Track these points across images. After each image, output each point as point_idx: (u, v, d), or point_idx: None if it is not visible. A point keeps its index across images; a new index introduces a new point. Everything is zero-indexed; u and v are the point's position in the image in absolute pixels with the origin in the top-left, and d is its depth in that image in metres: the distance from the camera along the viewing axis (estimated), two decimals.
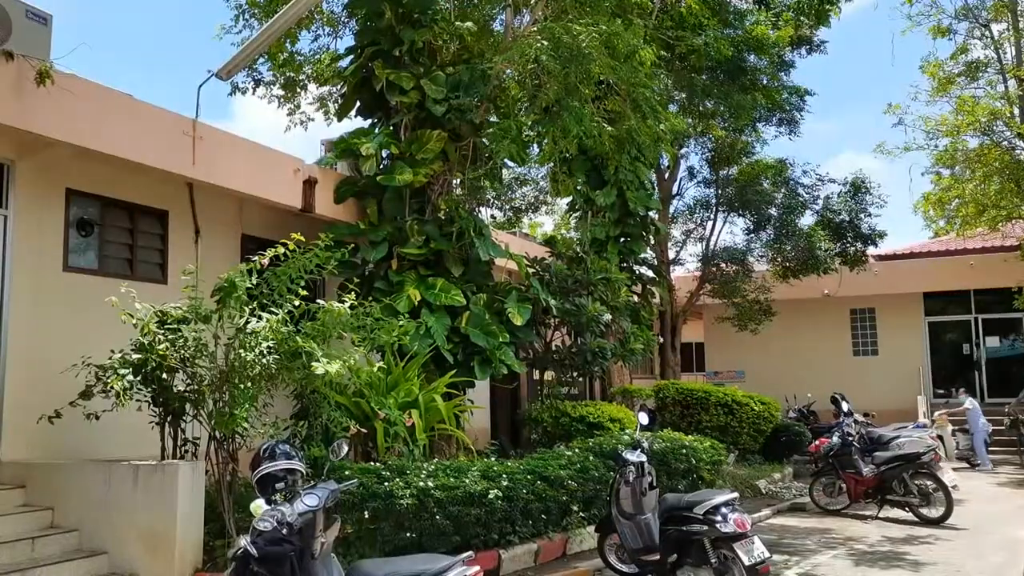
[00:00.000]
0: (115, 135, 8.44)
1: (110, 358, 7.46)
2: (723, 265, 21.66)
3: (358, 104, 12.62)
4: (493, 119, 12.79)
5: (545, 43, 10.65)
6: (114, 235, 9.52)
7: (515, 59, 11.01)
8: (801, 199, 21.64)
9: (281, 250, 7.54)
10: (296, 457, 4.83)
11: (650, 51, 12.56)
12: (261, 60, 15.31)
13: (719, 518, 7.21)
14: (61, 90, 7.75)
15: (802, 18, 18.67)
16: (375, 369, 8.96)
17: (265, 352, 7.29)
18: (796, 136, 21.19)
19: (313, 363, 7.27)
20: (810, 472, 14.40)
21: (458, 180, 12.68)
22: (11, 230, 8.22)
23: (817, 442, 13.59)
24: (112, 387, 7.21)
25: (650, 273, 19.19)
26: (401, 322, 8.95)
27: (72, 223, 8.95)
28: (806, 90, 20.27)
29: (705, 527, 7.29)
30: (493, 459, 9.84)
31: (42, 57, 8.03)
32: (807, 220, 21.61)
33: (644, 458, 8.02)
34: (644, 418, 8.78)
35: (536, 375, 15.29)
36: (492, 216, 22.30)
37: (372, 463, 8.37)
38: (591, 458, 9.85)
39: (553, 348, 14.66)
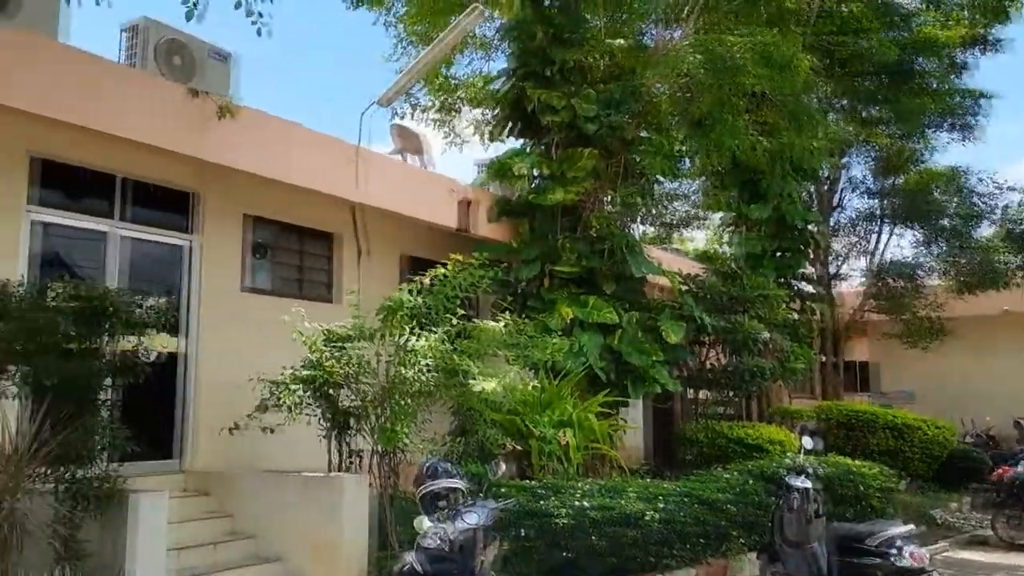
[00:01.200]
0: (287, 163, 8.92)
1: (282, 374, 7.82)
2: (890, 280, 20.37)
3: (511, 125, 12.79)
4: (644, 135, 12.64)
5: (699, 56, 10.41)
6: (286, 257, 10.03)
7: (667, 73, 10.83)
8: (977, 209, 20.07)
9: (441, 270, 7.71)
10: (457, 476, 4.88)
11: (807, 60, 12.04)
12: (418, 86, 15.83)
13: (894, 551, 6.73)
14: (240, 122, 8.26)
15: (977, 16, 17.36)
16: (529, 387, 8.98)
17: (424, 370, 7.44)
18: (974, 142, 19.67)
19: (470, 381, 7.36)
20: (992, 502, 13.22)
21: (609, 197, 12.59)
22: (197, 254, 8.82)
23: (999, 470, 12.50)
24: (284, 402, 7.57)
25: (810, 288, 18.33)
26: (554, 340, 8.95)
27: (249, 247, 9.49)
28: (983, 93, 18.81)
29: (878, 560, 6.82)
30: (648, 480, 9.63)
31: (224, 92, 8.63)
32: (984, 231, 20.02)
33: (810, 484, 7.60)
34: (808, 442, 8.32)
35: (691, 394, 14.90)
36: (644, 232, 21.98)
37: (528, 481, 8.37)
38: (751, 482, 9.44)
39: (708, 367, 14.24)
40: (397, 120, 10.44)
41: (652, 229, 24.72)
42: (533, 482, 8.22)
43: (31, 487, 5.36)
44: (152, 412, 8.29)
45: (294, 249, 10.13)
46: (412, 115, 16.44)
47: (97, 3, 5.86)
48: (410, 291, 7.58)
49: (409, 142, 10.54)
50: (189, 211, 8.85)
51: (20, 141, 7.30)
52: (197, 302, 8.74)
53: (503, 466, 5.11)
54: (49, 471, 5.42)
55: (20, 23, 7.24)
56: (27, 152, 7.39)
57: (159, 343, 8.22)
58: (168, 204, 8.67)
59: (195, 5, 5.49)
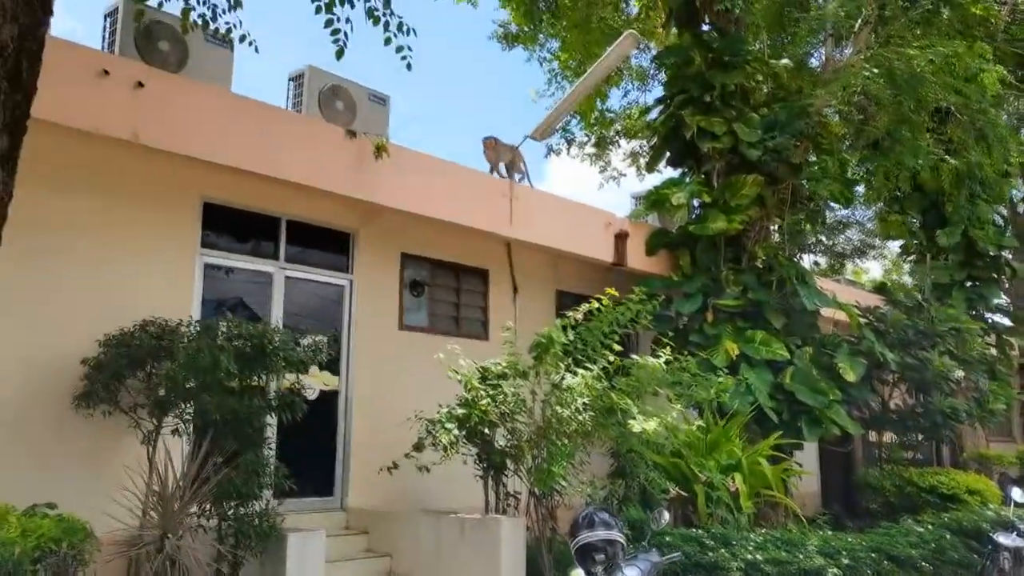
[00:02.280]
0: (442, 200, 8.96)
1: (438, 413, 7.74)
2: None
3: (668, 154, 12.39)
4: (813, 159, 11.89)
5: (875, 70, 9.65)
6: (442, 294, 10.05)
7: (838, 92, 10.12)
8: None
9: (595, 305, 7.43)
10: (616, 527, 4.52)
11: (996, 71, 10.93)
12: (574, 121, 15.78)
13: None
14: (395, 162, 8.37)
15: None
16: (693, 428, 8.48)
17: (580, 408, 7.15)
18: None
19: (629, 420, 6.98)
20: None
21: (776, 226, 11.90)
22: (355, 293, 8.97)
23: None
24: (440, 441, 7.46)
25: (1006, 321, 16.61)
26: (719, 378, 8.41)
27: (406, 284, 9.58)
28: None
29: None
30: (827, 531, 8.82)
31: (382, 133, 8.81)
32: None
33: (1022, 542, 6.66)
34: (1019, 494, 7.34)
35: (873, 437, 13.72)
36: (815, 263, 20.78)
37: (694, 530, 7.83)
38: (948, 536, 8.46)
39: (892, 407, 13.07)
40: (490, 135, 10.15)
41: (823, 260, 23.38)
42: (700, 531, 7.67)
43: (193, 524, 5.47)
44: (313, 449, 8.43)
45: (450, 286, 10.15)
46: (568, 150, 16.44)
47: (256, 50, 6.04)
48: (563, 327, 7.32)
49: (503, 156, 10.21)
50: (348, 251, 9.03)
51: (194, 187, 7.67)
52: (356, 340, 8.86)
53: (666, 516, 4.72)
54: (211, 508, 5.51)
55: (191, 73, 7.66)
56: (200, 197, 7.75)
57: (320, 381, 8.44)
58: (328, 244, 8.88)
59: (344, 45, 5.57)
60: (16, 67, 4.28)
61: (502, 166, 10.26)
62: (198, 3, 5.88)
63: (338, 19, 5.50)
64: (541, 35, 14.99)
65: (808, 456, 12.56)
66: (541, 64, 15.16)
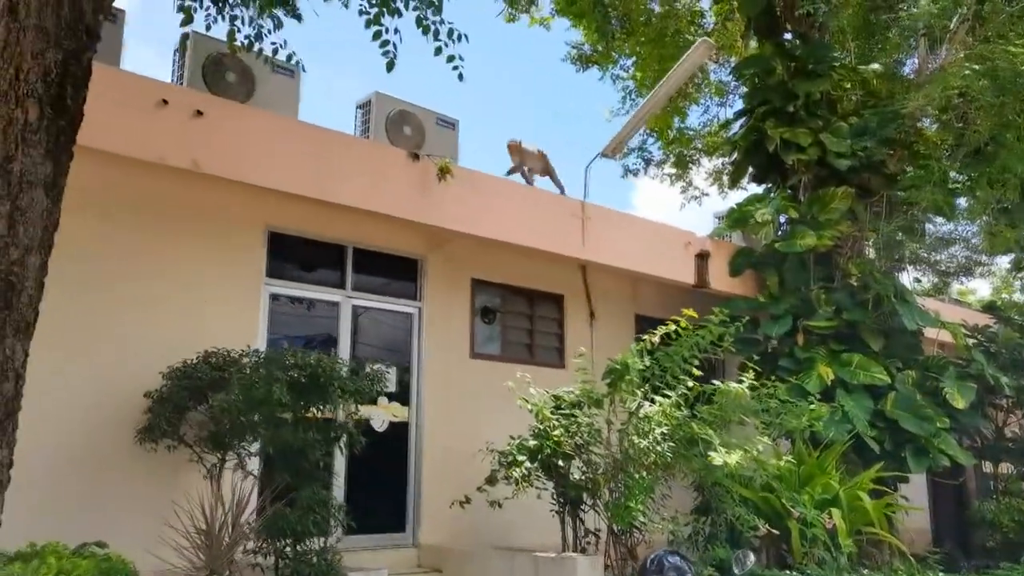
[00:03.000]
0: (512, 223, 8.76)
1: (509, 445, 7.45)
2: None
3: (750, 170, 11.89)
4: (908, 169, 11.19)
5: (976, 67, 8.99)
6: (514, 321, 9.82)
7: (935, 94, 9.46)
8: None
9: (672, 328, 7.03)
10: (689, 570, 4.10)
11: None
12: (650, 140, 15.40)
13: None
14: (462, 185, 8.20)
15: None
16: (784, 460, 7.91)
17: (659, 439, 6.74)
18: None
19: (710, 452, 6.53)
20: None
21: (870, 241, 11.22)
22: (424, 321, 8.81)
23: None
24: (512, 474, 7.15)
25: None
26: (812, 405, 7.86)
27: (477, 311, 9.39)
28: None
29: None
30: (939, 571, 8.08)
31: (451, 158, 8.68)
32: None
33: None
34: None
35: (987, 468, 12.73)
36: (916, 280, 19.69)
37: (788, 572, 7.25)
38: None
39: (1008, 435, 12.10)
40: (514, 139, 9.69)
41: (924, 278, 22.16)
42: (794, 572, 7.10)
43: (248, 563, 5.29)
44: (383, 483, 8.25)
45: (522, 313, 9.91)
46: (646, 171, 16.03)
47: (303, 70, 5.96)
48: (639, 352, 6.94)
49: (528, 160, 9.71)
50: (416, 278, 8.90)
51: (260, 217, 7.66)
52: (426, 369, 8.69)
53: (751, 559, 4.28)
54: (267, 546, 5.32)
55: (259, 103, 7.67)
56: (265, 226, 7.73)
57: (389, 412, 8.26)
58: (396, 272, 8.78)
59: (393, 57, 5.43)
60: (60, 93, 4.25)
61: (528, 171, 9.81)
62: (243, 24, 5.84)
63: (386, 30, 5.37)
64: (615, 53, 14.71)
65: (915, 489, 11.72)
66: (615, 82, 14.86)
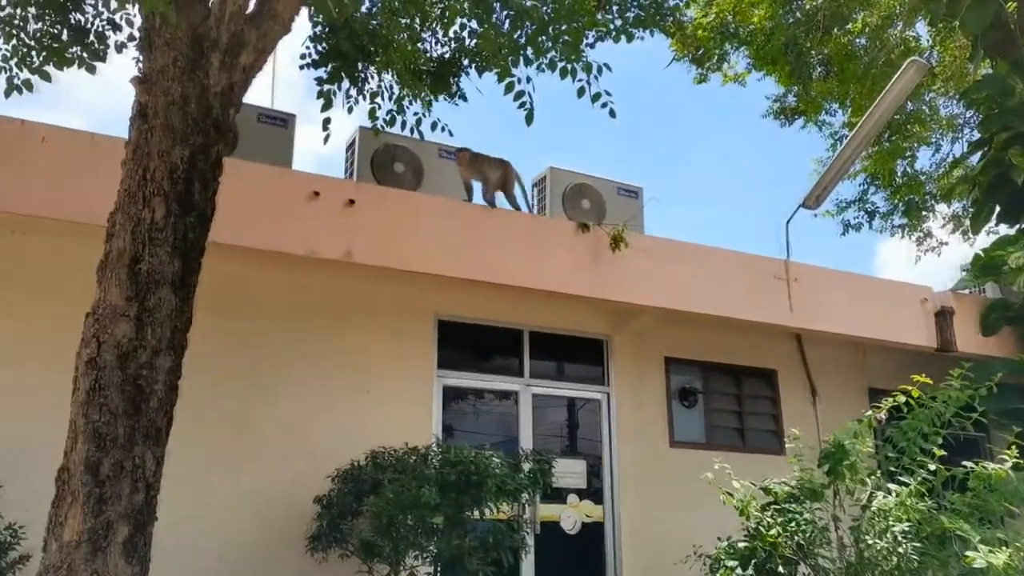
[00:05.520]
0: (703, 291, 8.26)
1: (717, 547, 6.68)
2: None
3: (996, 209, 10.48)
4: None
5: None
6: (719, 402, 9.22)
7: None
8: None
9: (902, 399, 6.08)
10: None
11: None
12: (872, 189, 14.23)
13: None
14: (643, 253, 7.82)
15: None
16: None
17: (900, 538, 5.72)
18: None
19: (968, 552, 5.43)
20: None
21: None
22: (614, 407, 8.42)
23: None
24: None
25: None
26: None
27: (674, 394, 8.89)
28: None
29: None
30: None
31: (636, 229, 8.33)
32: None
33: None
34: None
35: None
36: None
37: None
38: None
39: None
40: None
41: None
42: None
43: None
44: None
45: (728, 393, 9.30)
46: (870, 223, 14.80)
47: (451, 134, 5.89)
48: (861, 430, 6.04)
49: (484, 172, 7.99)
50: (602, 360, 8.59)
51: (426, 305, 7.72)
52: (619, 462, 8.27)
53: None
54: None
55: (427, 189, 7.77)
56: (433, 315, 7.76)
57: (581, 512, 7.84)
58: (578, 354, 8.56)
59: (530, 107, 5.25)
60: (187, 189, 4.33)
61: (483, 188, 8.11)
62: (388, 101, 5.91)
63: (519, 80, 5.24)
64: (821, 100, 13.84)
65: None
66: (821, 129, 13.94)
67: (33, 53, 5.48)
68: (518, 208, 8.17)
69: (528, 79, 5.34)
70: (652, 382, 8.70)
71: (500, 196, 8.11)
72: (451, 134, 6.83)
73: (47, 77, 5.69)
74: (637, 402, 8.53)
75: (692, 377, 9.07)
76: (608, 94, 5.29)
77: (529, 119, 5.39)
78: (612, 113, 5.35)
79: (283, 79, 13.39)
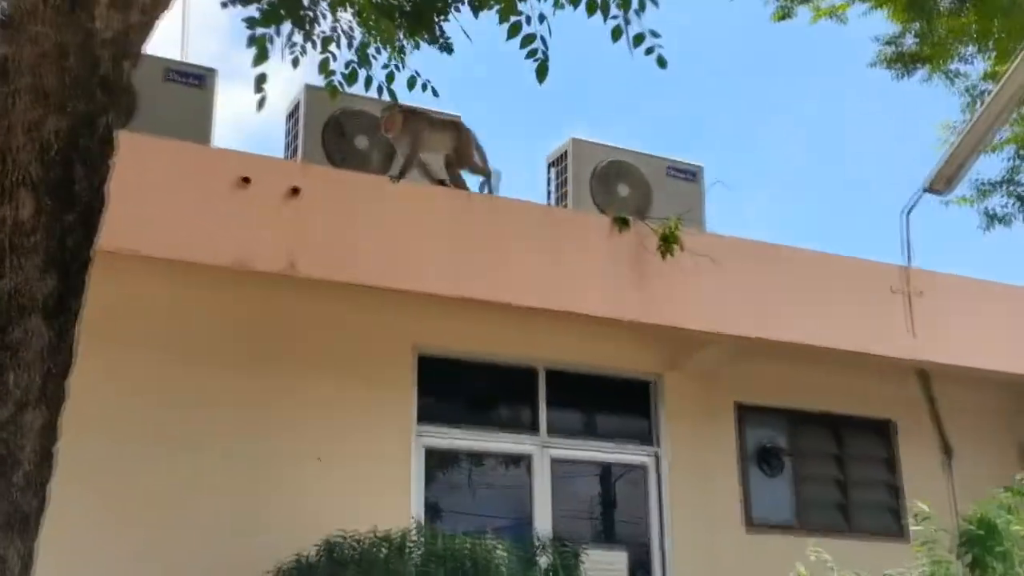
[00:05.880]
0: (788, 311, 8.39)
1: None
2: None
3: None
4: None
5: None
6: (813, 467, 9.40)
7: None
8: None
9: None
10: None
11: None
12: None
13: None
14: (699, 258, 7.87)
15: None
16: None
17: None
18: None
19: None
20: None
21: None
22: (665, 475, 8.51)
23: None
24: None
25: None
26: None
27: (750, 455, 9.01)
28: None
29: None
30: None
31: (694, 223, 8.41)
32: None
33: None
34: None
35: None
36: None
37: None
38: None
39: None
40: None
41: None
42: None
43: None
44: None
45: (826, 452, 9.48)
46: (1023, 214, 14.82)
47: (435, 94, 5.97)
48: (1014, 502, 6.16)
49: (421, 136, 7.76)
50: (649, 409, 8.71)
51: (405, 335, 7.82)
52: (674, 550, 8.39)
53: None
54: None
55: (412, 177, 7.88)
56: (413, 349, 7.85)
57: None
58: (615, 402, 8.78)
59: (545, 57, 5.32)
60: (65, 176, 4.30)
61: (418, 159, 7.86)
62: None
63: (527, 19, 5.30)
64: (952, 40, 13.92)
65: None
66: (952, 82, 13.96)
67: None
68: (485, 189, 8.21)
69: (541, 18, 5.36)
70: (719, 439, 8.79)
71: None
72: (435, 94, 6.83)
73: None
74: (698, 468, 8.62)
75: (776, 432, 9.18)
76: (655, 35, 5.33)
77: (542, 73, 5.42)
78: (661, 62, 5.38)
79: (198, 22, 13.49)
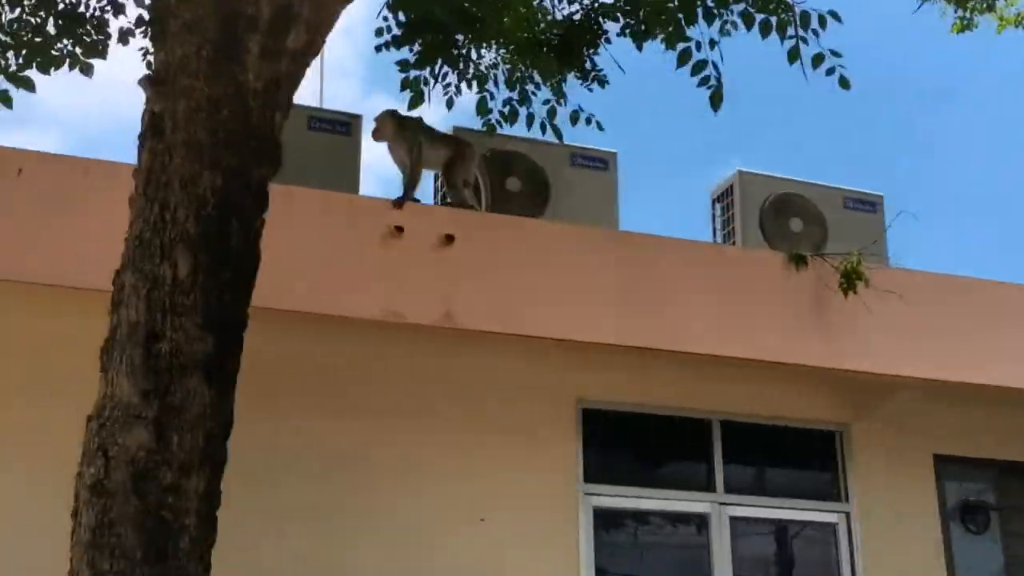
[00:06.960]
0: (990, 351, 8.13)
1: None
2: None
3: None
4: None
5: None
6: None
7: None
8: None
9: None
10: None
11: None
12: None
13: None
14: (886, 295, 7.69)
15: None
16: None
17: None
18: None
19: None
20: None
21: None
22: (858, 535, 8.36)
23: None
24: None
25: None
26: None
27: (953, 512, 8.76)
28: None
29: None
30: None
31: (875, 256, 8.28)
32: None
33: None
34: None
35: None
36: None
37: None
38: None
39: None
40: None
41: None
42: None
43: None
44: None
45: None
46: None
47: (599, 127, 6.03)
48: None
49: (410, 147, 7.52)
50: (836, 463, 8.59)
51: (568, 387, 7.85)
52: None
53: None
54: None
55: (556, 214, 8.00)
56: (577, 402, 7.87)
57: None
58: (798, 455, 8.67)
59: (718, 87, 5.34)
60: (221, 232, 4.42)
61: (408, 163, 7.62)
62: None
63: (696, 46, 5.37)
64: None
65: None
66: None
67: (10, 53, 5.80)
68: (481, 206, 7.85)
69: (712, 43, 5.38)
70: (916, 495, 8.59)
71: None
72: (600, 128, 6.90)
73: (29, 85, 6.02)
74: (894, 526, 8.42)
75: (982, 485, 8.97)
76: (836, 55, 5.31)
77: (716, 101, 5.43)
78: (844, 83, 5.39)
79: (333, 67, 13.85)
